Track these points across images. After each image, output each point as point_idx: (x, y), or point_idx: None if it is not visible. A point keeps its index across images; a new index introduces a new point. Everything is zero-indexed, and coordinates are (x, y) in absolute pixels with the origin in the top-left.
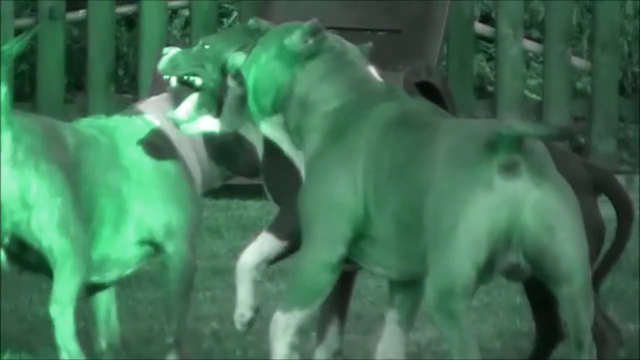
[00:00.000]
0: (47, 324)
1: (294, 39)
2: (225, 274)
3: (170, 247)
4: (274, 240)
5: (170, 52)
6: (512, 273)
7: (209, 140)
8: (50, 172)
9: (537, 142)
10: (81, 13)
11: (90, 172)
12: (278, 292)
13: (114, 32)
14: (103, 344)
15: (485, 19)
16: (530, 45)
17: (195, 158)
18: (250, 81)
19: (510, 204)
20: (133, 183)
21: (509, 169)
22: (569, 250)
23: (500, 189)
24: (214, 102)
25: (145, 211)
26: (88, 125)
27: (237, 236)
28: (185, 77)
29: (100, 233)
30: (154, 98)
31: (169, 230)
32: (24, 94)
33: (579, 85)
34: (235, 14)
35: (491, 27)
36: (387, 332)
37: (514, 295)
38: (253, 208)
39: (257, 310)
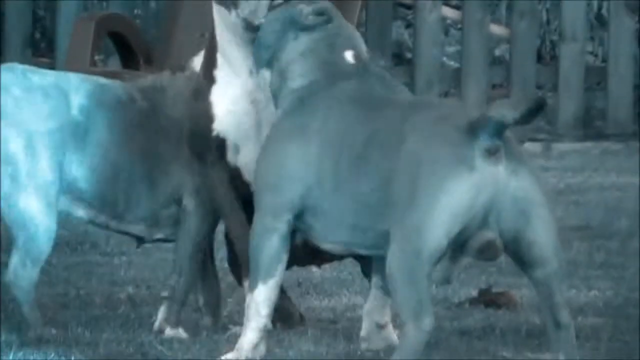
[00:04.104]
0: None
1: (303, 11)
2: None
3: (190, 205)
4: None
5: None
6: (485, 251)
7: None
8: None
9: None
10: None
11: (106, 135)
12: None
13: None
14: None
15: None
16: (449, 12)
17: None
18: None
19: (490, 186)
20: (171, 143)
21: (492, 154)
22: (543, 236)
23: (483, 171)
24: None
25: (180, 170)
26: (134, 87)
27: None
28: None
29: (137, 191)
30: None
31: (195, 189)
32: None
33: (497, 52)
34: None
35: None
36: (372, 296)
37: None
38: None
39: None
